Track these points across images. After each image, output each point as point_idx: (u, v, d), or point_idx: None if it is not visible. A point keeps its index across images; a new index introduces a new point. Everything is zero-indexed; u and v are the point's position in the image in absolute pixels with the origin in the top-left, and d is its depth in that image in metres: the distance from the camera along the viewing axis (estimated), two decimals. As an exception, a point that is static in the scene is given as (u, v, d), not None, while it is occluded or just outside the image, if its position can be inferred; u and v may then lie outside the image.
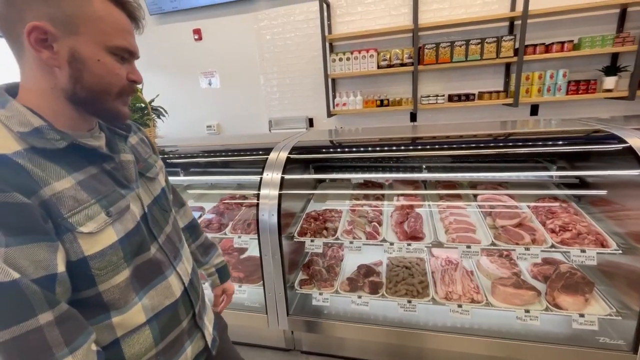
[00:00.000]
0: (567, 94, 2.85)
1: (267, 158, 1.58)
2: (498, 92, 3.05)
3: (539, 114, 3.14)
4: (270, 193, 1.47)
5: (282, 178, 1.50)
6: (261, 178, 1.51)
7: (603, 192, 1.47)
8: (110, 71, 0.61)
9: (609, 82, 2.77)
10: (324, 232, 1.57)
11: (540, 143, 1.46)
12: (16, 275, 0.51)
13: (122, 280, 0.65)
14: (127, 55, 0.64)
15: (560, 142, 1.38)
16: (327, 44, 3.29)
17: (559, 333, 1.37)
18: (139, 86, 2.09)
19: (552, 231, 1.40)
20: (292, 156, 1.57)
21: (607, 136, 1.34)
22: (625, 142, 1.26)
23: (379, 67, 3.17)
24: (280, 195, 1.47)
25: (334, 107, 3.40)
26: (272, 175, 1.51)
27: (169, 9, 3.73)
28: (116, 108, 0.66)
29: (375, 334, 1.53)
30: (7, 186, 0.51)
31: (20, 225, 0.52)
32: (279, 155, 1.56)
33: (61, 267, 0.56)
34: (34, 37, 0.55)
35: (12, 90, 0.62)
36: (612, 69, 2.78)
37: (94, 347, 0.60)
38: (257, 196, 1.49)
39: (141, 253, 0.70)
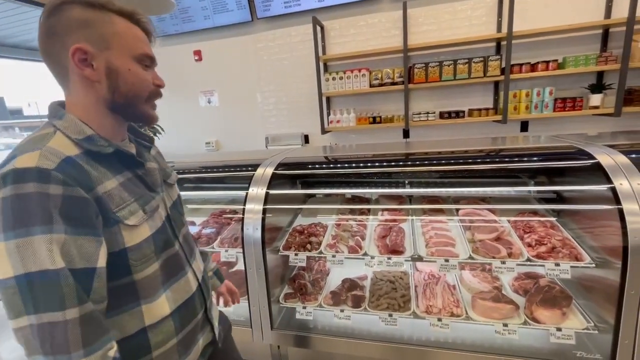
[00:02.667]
0: (554, 110, 2.92)
1: (253, 174, 1.64)
2: (487, 109, 3.12)
3: (529, 130, 3.20)
4: (254, 208, 1.52)
5: (267, 193, 1.55)
6: (247, 193, 1.57)
7: (577, 207, 1.50)
8: (140, 78, 0.73)
9: (595, 99, 2.83)
10: (308, 245, 1.61)
11: (516, 159, 1.51)
12: (60, 265, 0.57)
13: (153, 272, 0.75)
14: (149, 61, 0.75)
15: (533, 159, 1.43)
16: (322, 64, 3.42)
17: (540, 347, 1.37)
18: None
19: (529, 245, 1.42)
20: (277, 172, 1.63)
21: (578, 152, 1.38)
22: (594, 158, 1.30)
23: (371, 85, 3.28)
24: (264, 210, 1.52)
25: (328, 124, 3.49)
26: (257, 191, 1.56)
27: (172, 31, 3.92)
28: (147, 111, 0.77)
29: (361, 348, 1.53)
30: (73, 182, 0.61)
31: (79, 218, 0.61)
32: (265, 171, 1.62)
33: (101, 263, 0.64)
34: (77, 58, 0.66)
35: (61, 106, 0.73)
36: (597, 87, 2.85)
37: (111, 354, 0.63)
38: (243, 211, 1.54)
39: (167, 249, 0.80)
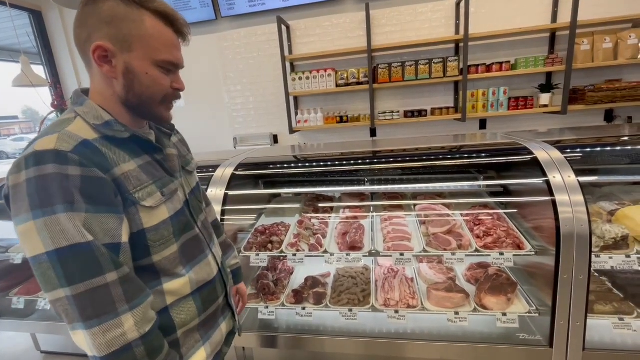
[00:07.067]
0: (508, 109, 3.09)
1: (212, 175, 1.62)
2: (448, 108, 3.25)
3: (487, 128, 3.37)
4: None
5: (226, 194, 1.54)
6: (205, 195, 1.55)
7: (519, 199, 1.61)
8: (156, 82, 0.73)
9: (544, 98, 3.02)
10: (269, 245, 1.61)
11: (466, 156, 1.59)
12: (90, 237, 0.61)
13: (172, 254, 0.77)
14: (172, 67, 0.75)
15: (481, 155, 1.51)
16: (288, 64, 3.42)
17: (489, 332, 1.46)
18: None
19: (478, 236, 1.51)
20: (237, 173, 1.63)
21: (520, 149, 1.48)
22: (532, 154, 1.40)
23: (337, 85, 3.32)
24: (223, 211, 1.51)
25: (296, 124, 3.49)
26: (216, 192, 1.55)
27: (132, 29, 3.76)
28: (160, 112, 0.78)
29: (326, 344, 1.54)
30: (90, 163, 0.64)
31: (97, 196, 0.64)
32: (224, 172, 1.61)
33: (124, 238, 0.67)
34: (98, 55, 0.68)
35: (85, 92, 0.76)
36: (546, 87, 3.04)
37: (151, 312, 0.69)
38: (201, 213, 1.52)
39: (187, 231, 0.83)
